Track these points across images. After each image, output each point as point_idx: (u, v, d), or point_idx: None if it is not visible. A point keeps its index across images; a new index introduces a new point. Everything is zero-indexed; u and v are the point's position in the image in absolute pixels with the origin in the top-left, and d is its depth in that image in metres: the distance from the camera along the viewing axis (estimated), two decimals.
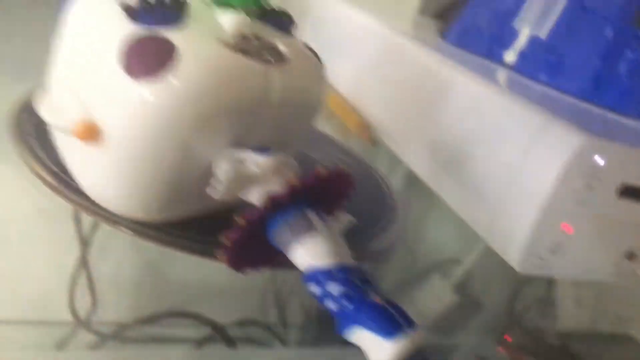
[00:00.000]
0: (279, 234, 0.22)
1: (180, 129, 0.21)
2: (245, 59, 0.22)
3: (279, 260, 0.22)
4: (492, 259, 0.45)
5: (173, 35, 0.21)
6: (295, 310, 0.49)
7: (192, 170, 0.23)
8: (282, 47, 0.24)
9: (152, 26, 0.21)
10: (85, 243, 0.40)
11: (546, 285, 0.49)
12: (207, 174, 0.23)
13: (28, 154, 0.25)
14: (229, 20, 0.23)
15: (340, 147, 0.36)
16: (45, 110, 0.22)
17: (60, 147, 0.25)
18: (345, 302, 0.20)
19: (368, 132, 0.39)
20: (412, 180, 0.45)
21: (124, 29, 0.21)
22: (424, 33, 0.47)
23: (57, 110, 0.22)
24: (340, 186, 0.23)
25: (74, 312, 0.41)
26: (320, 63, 0.26)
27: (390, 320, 0.19)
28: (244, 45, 0.22)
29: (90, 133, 0.21)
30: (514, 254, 0.27)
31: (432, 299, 0.47)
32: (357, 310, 0.20)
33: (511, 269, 0.45)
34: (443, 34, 0.44)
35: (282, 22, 0.26)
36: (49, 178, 0.25)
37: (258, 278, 0.51)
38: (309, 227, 0.21)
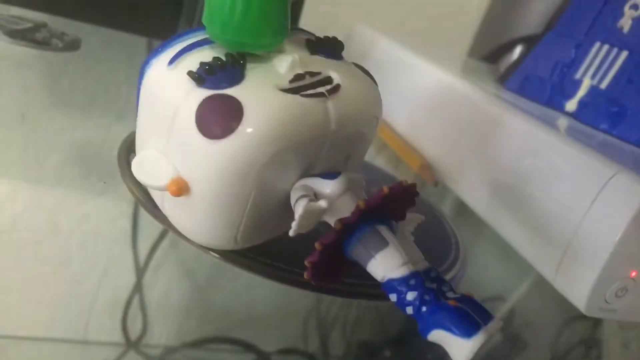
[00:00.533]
0: (355, 251, 0.23)
1: (255, 173, 0.23)
2: (301, 99, 0.23)
3: (356, 268, 0.24)
4: (536, 297, 0.45)
5: (236, 91, 0.22)
6: (337, 340, 0.50)
7: (270, 204, 0.25)
8: (334, 75, 0.25)
9: (217, 89, 0.23)
10: (141, 269, 0.41)
11: (592, 325, 0.48)
12: (284, 203, 0.25)
13: (132, 184, 0.28)
14: (281, 64, 0.24)
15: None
16: (139, 172, 0.24)
17: (151, 193, 0.27)
18: (421, 307, 0.21)
19: (430, 173, 0.40)
20: (457, 219, 0.45)
21: (193, 95, 0.23)
22: (480, 78, 0.48)
23: (149, 171, 0.24)
24: (406, 195, 0.24)
25: (125, 334, 0.43)
26: (373, 81, 0.27)
27: (465, 320, 0.21)
28: (299, 84, 0.24)
29: (181, 189, 0.23)
30: (580, 298, 0.28)
31: None
32: (433, 314, 0.21)
33: (556, 307, 0.44)
34: (503, 81, 0.45)
35: (331, 49, 0.27)
36: (149, 205, 0.27)
37: (301, 308, 0.52)
38: (381, 243, 0.23)
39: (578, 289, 0.27)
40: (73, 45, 0.40)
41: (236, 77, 0.23)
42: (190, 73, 0.23)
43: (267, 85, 0.23)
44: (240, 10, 0.23)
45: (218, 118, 0.22)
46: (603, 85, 0.35)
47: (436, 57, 0.47)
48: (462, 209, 0.41)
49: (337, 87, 0.24)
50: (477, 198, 0.36)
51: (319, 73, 0.25)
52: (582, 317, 0.48)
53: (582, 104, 0.36)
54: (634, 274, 0.25)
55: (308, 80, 0.24)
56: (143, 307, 0.44)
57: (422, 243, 0.25)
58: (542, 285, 0.38)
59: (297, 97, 0.23)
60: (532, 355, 0.48)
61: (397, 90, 0.44)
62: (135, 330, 0.44)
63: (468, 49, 0.68)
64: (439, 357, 0.49)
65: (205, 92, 0.22)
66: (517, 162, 0.32)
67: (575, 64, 0.38)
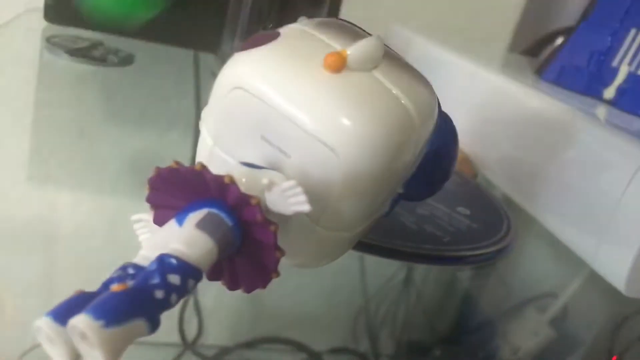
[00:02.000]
0: None
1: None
2: None
3: None
4: (590, 293, 0.44)
5: None
6: (387, 339, 0.50)
7: None
8: None
9: None
10: None
11: None
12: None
13: None
14: None
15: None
16: None
17: None
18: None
19: (469, 165, 0.41)
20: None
21: None
22: (518, 71, 0.48)
23: None
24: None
25: (182, 335, 0.44)
26: None
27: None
28: None
29: None
30: (619, 279, 0.29)
31: (527, 333, 0.46)
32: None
33: (611, 303, 0.43)
34: (540, 73, 0.45)
35: None
36: None
37: (350, 308, 0.53)
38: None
39: (617, 271, 0.27)
40: (127, 60, 0.43)
41: None
42: None
43: None
44: None
45: None
46: None
47: (472, 53, 0.48)
48: (511, 206, 0.41)
49: None
50: (515, 187, 0.36)
51: None
52: None
53: (620, 90, 0.36)
54: None
55: None
56: (198, 309, 0.46)
57: (475, 216, 0.27)
58: (596, 281, 0.37)
59: None
60: (587, 353, 0.47)
61: (436, 88, 0.45)
62: (191, 331, 0.46)
63: (508, 43, 0.67)
64: (491, 356, 0.49)
65: None
66: (554, 150, 0.32)
67: (611, 51, 0.37)
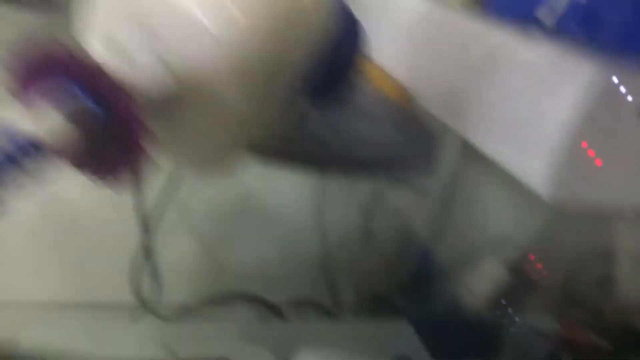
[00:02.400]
0: None
1: None
2: None
3: None
4: (547, 237, 0.45)
5: None
6: (347, 289, 0.50)
7: None
8: None
9: None
10: (146, 230, 0.42)
11: (606, 262, 0.48)
12: None
13: None
14: None
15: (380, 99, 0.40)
16: None
17: None
18: None
19: (406, 96, 0.41)
20: (464, 159, 0.45)
21: None
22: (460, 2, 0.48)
23: None
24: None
25: (139, 295, 0.44)
26: None
27: None
28: None
29: None
30: (543, 186, 0.27)
31: (485, 279, 0.47)
32: None
33: (569, 246, 0.44)
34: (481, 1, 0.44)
35: None
36: None
37: (308, 259, 0.53)
38: None
39: (539, 177, 0.26)
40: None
41: None
42: None
43: None
44: None
45: None
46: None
47: None
48: (469, 153, 0.40)
49: None
50: (447, 110, 0.36)
51: None
52: (597, 253, 0.47)
53: (560, 17, 0.35)
54: (592, 154, 0.25)
55: None
56: (155, 268, 0.45)
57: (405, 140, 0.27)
58: (555, 223, 0.38)
59: None
60: (546, 295, 0.48)
61: (376, 20, 0.45)
62: (149, 292, 0.45)
63: None
64: (450, 301, 0.50)
65: None
66: (477, 67, 0.32)
67: None
